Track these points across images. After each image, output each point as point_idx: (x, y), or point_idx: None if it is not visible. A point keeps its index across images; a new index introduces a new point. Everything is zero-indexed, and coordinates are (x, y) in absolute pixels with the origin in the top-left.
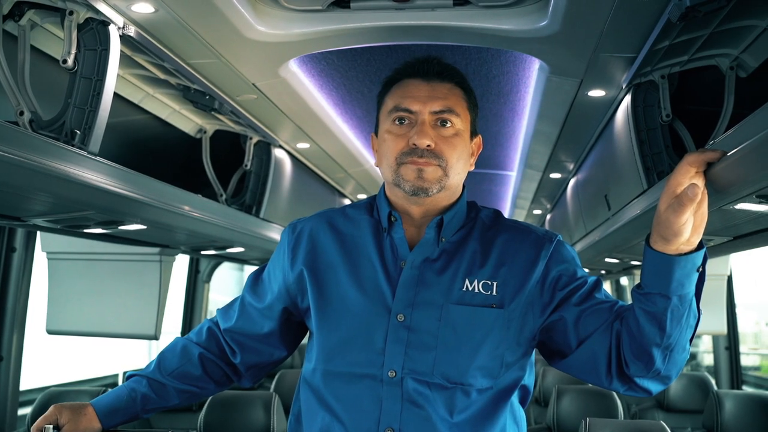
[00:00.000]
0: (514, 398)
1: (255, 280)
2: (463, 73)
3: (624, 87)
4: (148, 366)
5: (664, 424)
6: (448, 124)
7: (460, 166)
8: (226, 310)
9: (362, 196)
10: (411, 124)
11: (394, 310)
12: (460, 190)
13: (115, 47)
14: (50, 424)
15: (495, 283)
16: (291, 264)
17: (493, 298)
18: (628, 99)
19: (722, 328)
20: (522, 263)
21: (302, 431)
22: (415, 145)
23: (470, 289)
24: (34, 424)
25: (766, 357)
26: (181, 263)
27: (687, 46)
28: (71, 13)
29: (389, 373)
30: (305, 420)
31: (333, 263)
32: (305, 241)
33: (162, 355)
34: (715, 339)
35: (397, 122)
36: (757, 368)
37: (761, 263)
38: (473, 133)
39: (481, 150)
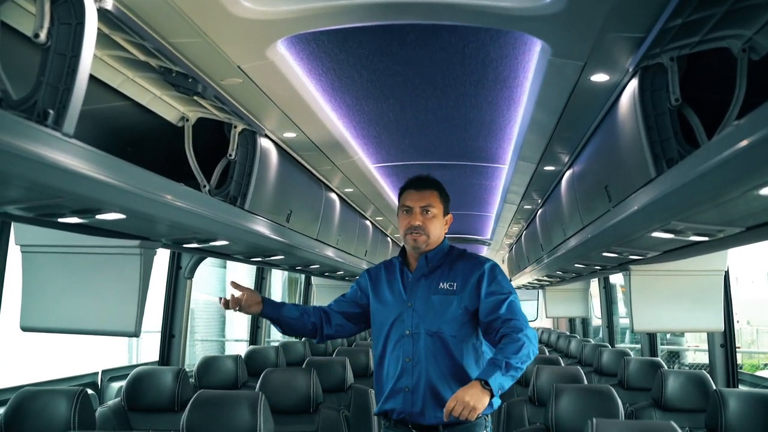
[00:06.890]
0: (475, 343)
1: (352, 293)
2: (461, 54)
3: (630, 71)
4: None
5: (675, 425)
6: (429, 212)
7: (436, 232)
8: (338, 300)
9: (349, 190)
10: (411, 213)
11: (407, 300)
12: (441, 240)
13: (92, 21)
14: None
15: (455, 284)
16: (368, 283)
17: (453, 290)
18: (634, 83)
19: (719, 325)
20: (468, 274)
21: (373, 353)
22: (411, 225)
23: (442, 287)
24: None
25: (747, 354)
26: (161, 258)
27: (699, 25)
28: None
29: (406, 331)
30: (373, 347)
31: (381, 284)
32: (373, 275)
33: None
34: (710, 336)
35: (404, 212)
36: (739, 366)
37: (746, 263)
38: (446, 212)
39: (452, 221)
